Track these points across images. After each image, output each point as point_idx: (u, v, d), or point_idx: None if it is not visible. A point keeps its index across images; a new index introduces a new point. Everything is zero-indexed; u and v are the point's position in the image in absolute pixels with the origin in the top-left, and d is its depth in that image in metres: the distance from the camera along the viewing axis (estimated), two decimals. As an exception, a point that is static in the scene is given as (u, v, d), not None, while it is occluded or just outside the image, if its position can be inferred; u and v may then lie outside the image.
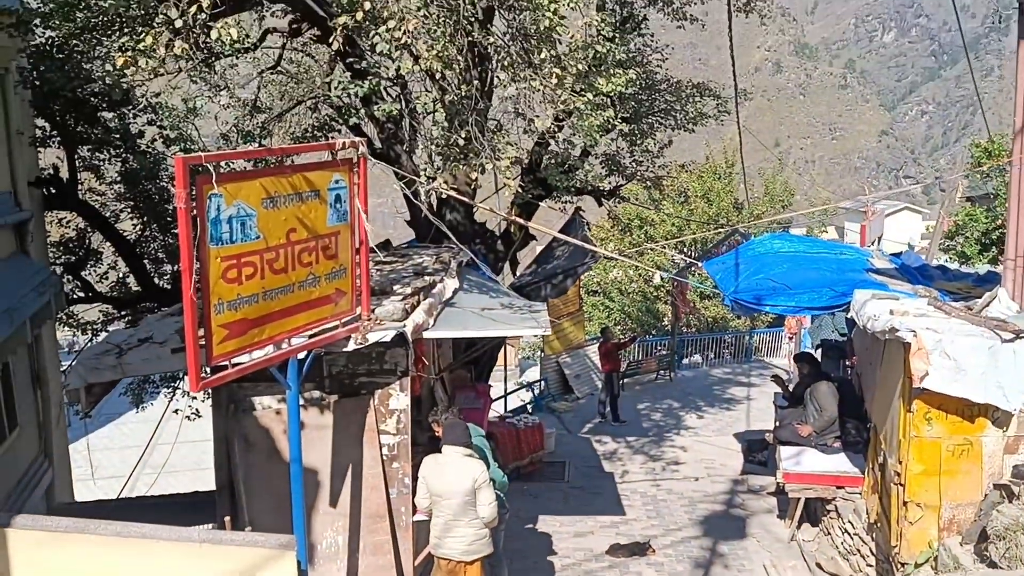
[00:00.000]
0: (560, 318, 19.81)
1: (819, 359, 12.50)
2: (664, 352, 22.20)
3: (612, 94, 9.70)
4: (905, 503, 7.26)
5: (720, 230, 23.75)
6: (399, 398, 7.43)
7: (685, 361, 23.80)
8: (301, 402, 7.42)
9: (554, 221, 13.87)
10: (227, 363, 5.73)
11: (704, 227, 26.53)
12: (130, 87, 12.01)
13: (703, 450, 14.36)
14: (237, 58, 11.11)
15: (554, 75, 6.83)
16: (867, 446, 9.94)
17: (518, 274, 13.20)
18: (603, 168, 13.94)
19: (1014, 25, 8.59)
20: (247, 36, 10.95)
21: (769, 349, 26.10)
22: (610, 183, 14.03)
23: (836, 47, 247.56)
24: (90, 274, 15.31)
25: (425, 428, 8.50)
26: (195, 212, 5.39)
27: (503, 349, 20.69)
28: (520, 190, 13.13)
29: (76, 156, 13.48)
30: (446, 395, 10.63)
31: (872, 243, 16.36)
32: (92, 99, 12.38)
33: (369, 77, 8.21)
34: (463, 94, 7.39)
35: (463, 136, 7.53)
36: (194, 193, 5.39)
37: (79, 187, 13.92)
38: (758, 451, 13.87)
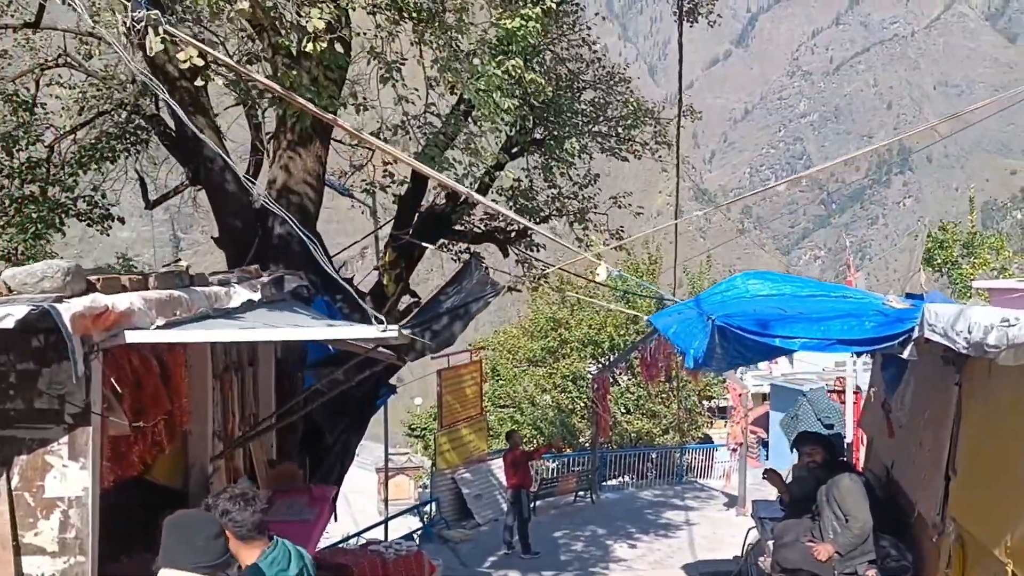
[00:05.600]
0: (456, 423, 15.90)
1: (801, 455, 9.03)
2: (584, 469, 18.37)
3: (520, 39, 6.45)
4: None
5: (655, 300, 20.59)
6: (67, 476, 3.47)
7: (611, 483, 19.98)
8: None
9: (447, 270, 10.29)
10: None
11: (622, 328, 23.36)
12: None
13: (646, 589, 10.46)
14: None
15: None
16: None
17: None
18: (510, 204, 10.57)
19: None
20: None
21: (701, 469, 22.55)
22: (518, 226, 10.61)
23: (733, 194, 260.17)
24: None
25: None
26: None
27: (384, 473, 16.55)
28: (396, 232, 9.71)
29: None
30: (256, 488, 6.56)
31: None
32: None
33: None
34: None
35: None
36: None
37: None
38: (718, 589, 10.19)
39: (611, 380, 20.62)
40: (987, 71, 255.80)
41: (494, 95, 6.54)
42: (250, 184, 7.17)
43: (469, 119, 8.52)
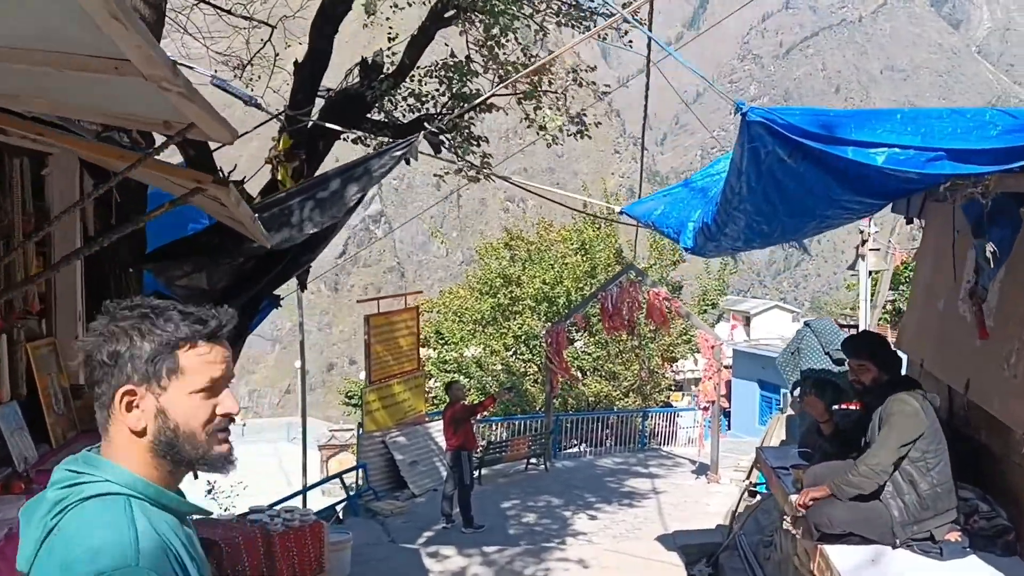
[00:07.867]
0: (388, 379, 13.68)
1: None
2: (537, 433, 16.29)
3: None
4: None
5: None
6: None
7: (568, 451, 17.99)
8: None
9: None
10: None
11: (580, 280, 21.36)
12: None
13: (613, 562, 8.39)
14: None
15: None
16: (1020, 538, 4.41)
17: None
18: (441, 85, 8.36)
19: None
20: None
21: (665, 436, 20.71)
22: (448, 114, 8.39)
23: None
24: None
25: None
26: None
27: (305, 448, 14.25)
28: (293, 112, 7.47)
29: None
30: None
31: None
32: None
33: None
34: None
35: None
36: None
37: None
38: (699, 561, 8.27)
39: (568, 337, 18.57)
40: (932, 56, 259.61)
41: None
42: None
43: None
